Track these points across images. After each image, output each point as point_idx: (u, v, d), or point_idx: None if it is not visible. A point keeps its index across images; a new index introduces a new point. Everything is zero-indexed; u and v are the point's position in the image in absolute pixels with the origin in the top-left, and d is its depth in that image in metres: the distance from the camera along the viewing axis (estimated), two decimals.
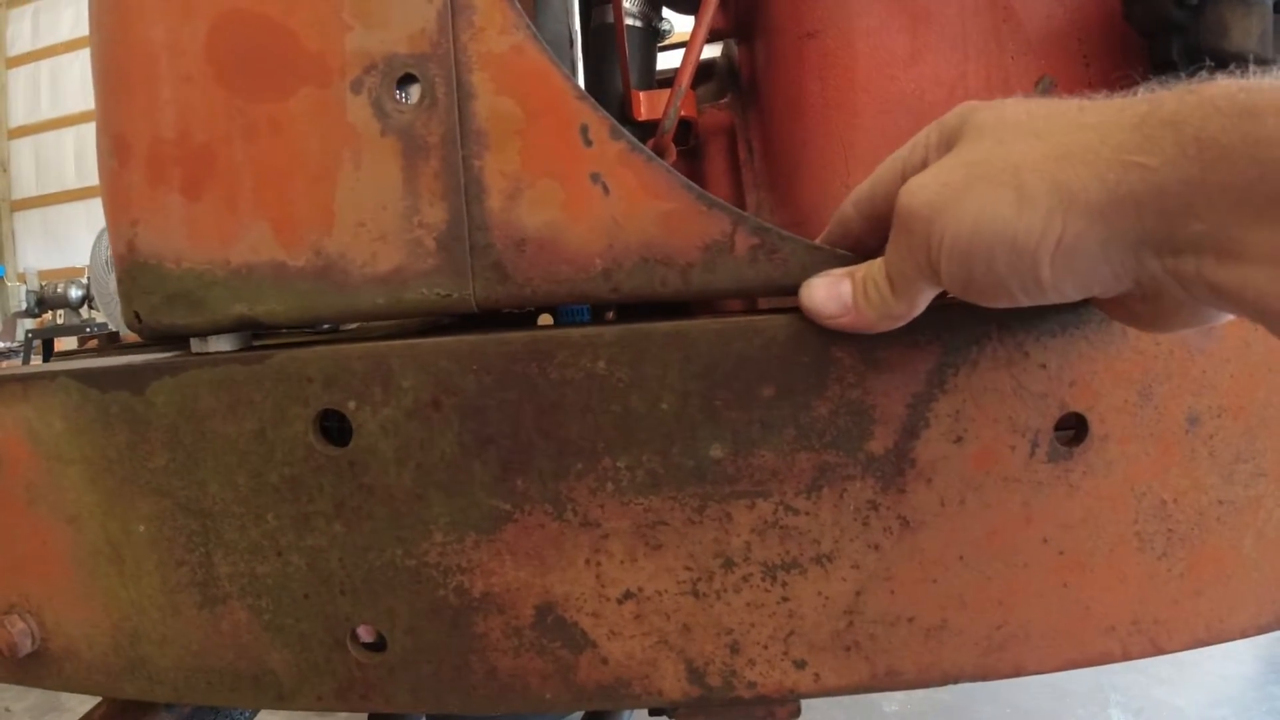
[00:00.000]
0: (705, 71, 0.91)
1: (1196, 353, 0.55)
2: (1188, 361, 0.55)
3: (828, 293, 0.50)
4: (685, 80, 0.69)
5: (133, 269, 0.58)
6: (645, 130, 0.76)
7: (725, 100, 0.85)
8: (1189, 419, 0.56)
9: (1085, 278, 0.41)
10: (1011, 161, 0.41)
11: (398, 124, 0.53)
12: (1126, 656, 0.59)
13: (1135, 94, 0.39)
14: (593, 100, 0.52)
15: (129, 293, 0.59)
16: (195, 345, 0.59)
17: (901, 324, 0.49)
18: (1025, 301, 0.43)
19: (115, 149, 0.58)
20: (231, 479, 0.56)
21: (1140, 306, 0.45)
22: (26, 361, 5.38)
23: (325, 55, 0.53)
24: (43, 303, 5.32)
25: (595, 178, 0.52)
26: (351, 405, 0.54)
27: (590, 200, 0.52)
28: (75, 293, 5.15)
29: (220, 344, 0.59)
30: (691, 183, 0.52)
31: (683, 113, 0.74)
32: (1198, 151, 0.35)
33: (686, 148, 0.84)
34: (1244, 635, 0.62)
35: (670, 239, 0.52)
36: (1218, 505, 0.57)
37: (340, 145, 0.53)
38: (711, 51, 0.89)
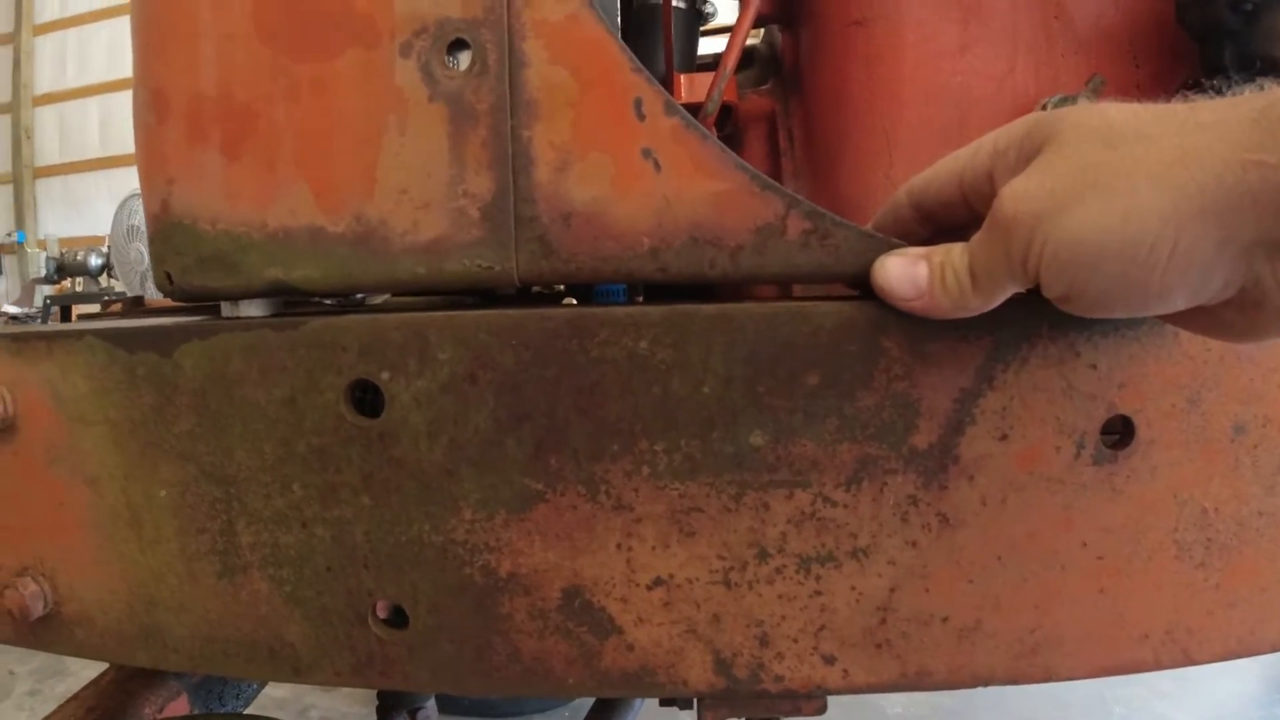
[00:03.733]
0: (746, 58, 0.90)
1: (1246, 361, 0.54)
2: (1236, 369, 0.54)
3: (903, 273, 0.49)
4: (731, 63, 0.68)
5: (166, 229, 0.57)
6: None
7: (766, 87, 0.84)
8: (1235, 427, 0.55)
9: (1196, 286, 0.40)
10: (1124, 168, 0.40)
11: (446, 90, 0.52)
12: (1158, 666, 0.58)
13: (1246, 92, 0.39)
14: (648, 74, 0.50)
15: (161, 253, 0.58)
16: (226, 309, 0.58)
17: (973, 315, 0.48)
18: (1123, 314, 0.42)
19: (154, 105, 0.57)
20: (258, 446, 0.55)
21: (1234, 315, 0.43)
22: None
23: (374, 16, 0.52)
24: (62, 269, 5.30)
25: (647, 153, 0.51)
26: (385, 376, 0.53)
27: (641, 176, 0.51)
28: (95, 261, 5.13)
29: (251, 309, 0.57)
30: (745, 163, 0.51)
31: (724, 97, 0.73)
32: None
33: (724, 134, 0.83)
34: (1274, 649, 0.61)
35: (721, 219, 0.51)
36: (1258, 516, 0.56)
37: (386, 109, 0.52)
38: (752, 38, 0.87)
